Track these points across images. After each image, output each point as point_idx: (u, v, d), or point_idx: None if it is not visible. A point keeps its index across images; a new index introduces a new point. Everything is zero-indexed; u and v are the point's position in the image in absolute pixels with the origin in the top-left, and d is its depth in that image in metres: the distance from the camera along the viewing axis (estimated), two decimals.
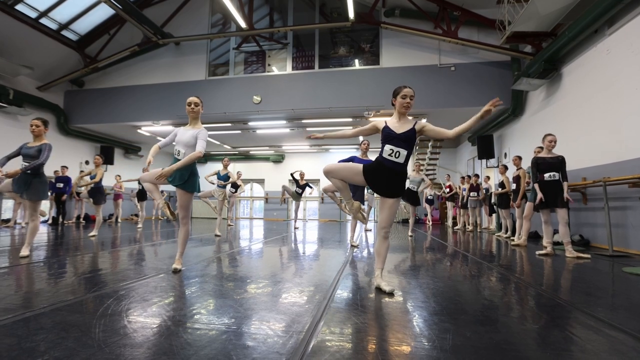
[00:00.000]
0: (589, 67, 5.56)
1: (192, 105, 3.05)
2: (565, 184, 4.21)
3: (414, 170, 6.82)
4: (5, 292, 2.19)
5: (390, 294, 2.25)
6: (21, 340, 1.41)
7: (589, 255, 4.15)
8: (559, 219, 4.24)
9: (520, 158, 6.13)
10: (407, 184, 6.74)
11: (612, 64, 5.03)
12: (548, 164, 4.29)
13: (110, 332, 1.51)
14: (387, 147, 2.35)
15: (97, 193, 6.12)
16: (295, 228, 8.79)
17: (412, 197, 6.69)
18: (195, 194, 3.10)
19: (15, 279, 2.59)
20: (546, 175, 4.28)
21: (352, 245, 4.87)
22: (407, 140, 2.33)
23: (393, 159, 2.33)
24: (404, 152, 2.32)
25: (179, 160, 2.87)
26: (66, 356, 1.27)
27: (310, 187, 9.15)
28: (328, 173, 2.47)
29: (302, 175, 8.96)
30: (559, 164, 4.25)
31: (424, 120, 2.53)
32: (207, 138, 2.95)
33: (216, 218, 6.78)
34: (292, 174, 8.88)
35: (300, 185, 8.84)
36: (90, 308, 1.87)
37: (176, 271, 2.88)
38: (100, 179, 6.10)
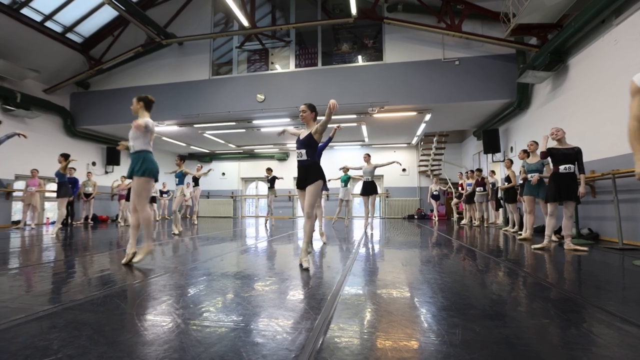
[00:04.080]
0: (597, 58, 5.47)
1: (132, 105, 3.36)
2: (582, 177, 4.08)
3: (365, 161, 6.93)
4: (17, 292, 2.23)
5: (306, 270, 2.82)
6: (35, 339, 1.43)
7: (586, 248, 4.10)
8: (564, 212, 4.18)
9: (526, 152, 6.06)
10: (363, 177, 6.90)
11: (620, 54, 4.94)
12: (562, 155, 4.14)
13: (121, 330, 1.53)
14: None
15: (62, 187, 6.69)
16: (266, 221, 9.28)
17: (368, 187, 6.74)
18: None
19: (26, 279, 2.63)
20: (561, 167, 4.13)
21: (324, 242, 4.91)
22: (305, 142, 3.05)
23: (300, 157, 3.10)
24: (303, 151, 3.06)
25: (134, 154, 3.22)
26: (79, 354, 1.29)
27: (278, 178, 9.52)
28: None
29: (268, 170, 9.45)
30: (574, 155, 4.11)
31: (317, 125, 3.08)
32: (150, 121, 3.16)
33: (231, 217, 6.94)
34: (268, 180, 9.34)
35: (269, 180, 9.30)
36: (101, 307, 1.89)
37: (127, 263, 3.08)
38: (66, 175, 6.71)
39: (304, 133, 3.16)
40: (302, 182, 3.05)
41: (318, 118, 3.21)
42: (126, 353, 1.30)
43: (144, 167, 3.15)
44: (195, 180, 9.41)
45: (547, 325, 1.62)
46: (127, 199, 9.35)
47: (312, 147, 3.04)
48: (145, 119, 3.17)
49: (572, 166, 4.12)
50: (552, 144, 4.37)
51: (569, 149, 4.16)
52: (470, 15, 8.09)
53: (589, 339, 1.46)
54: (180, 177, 6.64)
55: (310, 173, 3.00)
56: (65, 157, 6.60)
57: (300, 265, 3.00)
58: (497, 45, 7.70)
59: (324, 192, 5.14)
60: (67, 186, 6.75)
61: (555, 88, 6.71)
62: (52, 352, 1.31)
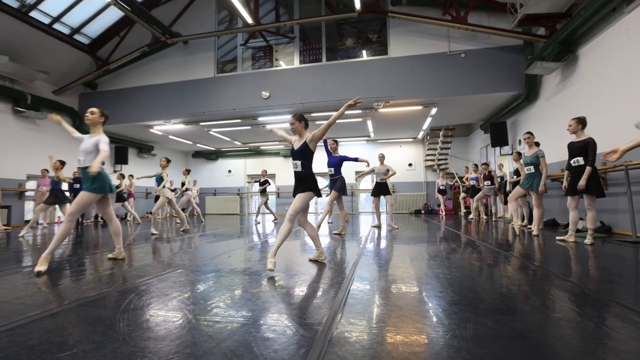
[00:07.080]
0: (607, 48, 5.35)
1: (88, 114, 3.17)
2: (587, 170, 4.00)
3: (380, 161, 6.83)
4: (32, 289, 2.28)
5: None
6: (51, 335, 1.46)
7: (589, 241, 4.03)
8: (585, 206, 4.12)
9: (536, 144, 5.97)
10: (375, 178, 6.81)
11: (632, 43, 4.82)
12: (573, 149, 4.17)
13: (134, 326, 1.55)
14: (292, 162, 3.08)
15: (59, 193, 6.70)
16: (256, 223, 8.93)
17: (380, 188, 6.70)
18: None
19: (40, 277, 2.68)
20: (572, 160, 4.17)
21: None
22: (301, 153, 2.98)
23: (295, 169, 3.05)
24: (298, 163, 3.00)
25: (82, 167, 3.08)
26: (94, 349, 1.31)
27: (269, 183, 9.30)
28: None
29: (263, 172, 9.29)
30: (582, 147, 4.07)
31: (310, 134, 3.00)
32: (108, 142, 3.07)
33: (237, 214, 6.82)
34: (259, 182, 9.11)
35: (261, 183, 9.10)
36: (114, 303, 1.92)
37: (39, 274, 2.69)
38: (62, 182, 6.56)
39: (297, 143, 3.05)
40: (296, 191, 3.02)
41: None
42: (139, 348, 1.32)
43: (96, 184, 3.04)
44: (183, 185, 9.47)
45: (560, 319, 1.60)
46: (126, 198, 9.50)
47: (308, 158, 2.99)
48: (102, 137, 3.08)
49: (580, 159, 4.09)
50: (572, 137, 4.29)
51: (579, 142, 4.12)
52: (476, 7, 7.95)
53: (603, 333, 1.43)
54: (159, 180, 6.45)
55: (303, 184, 2.97)
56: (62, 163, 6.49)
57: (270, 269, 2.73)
58: (504, 36, 7.56)
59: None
60: (58, 194, 6.70)
61: (564, 79, 6.58)
62: (67, 347, 1.34)
